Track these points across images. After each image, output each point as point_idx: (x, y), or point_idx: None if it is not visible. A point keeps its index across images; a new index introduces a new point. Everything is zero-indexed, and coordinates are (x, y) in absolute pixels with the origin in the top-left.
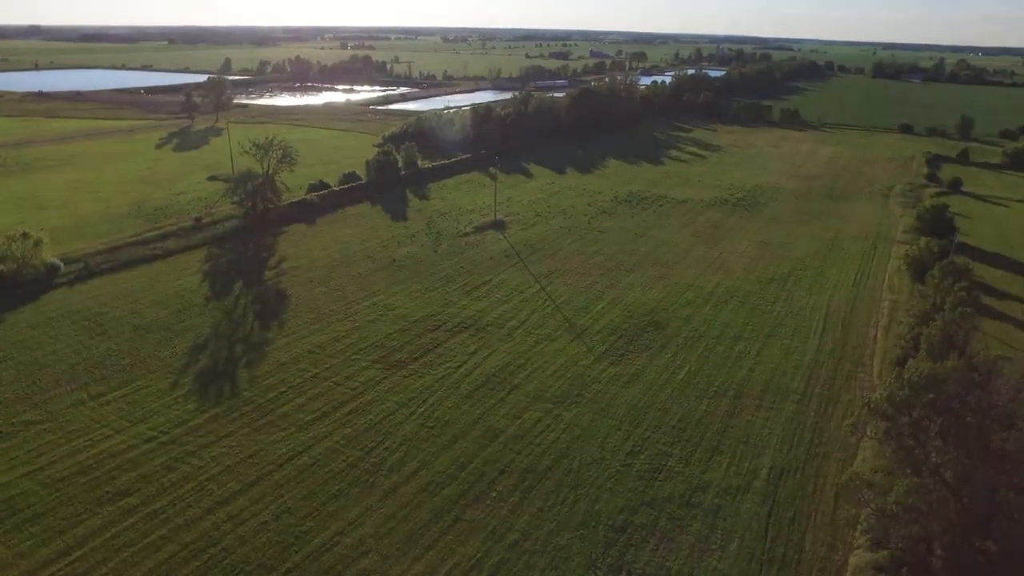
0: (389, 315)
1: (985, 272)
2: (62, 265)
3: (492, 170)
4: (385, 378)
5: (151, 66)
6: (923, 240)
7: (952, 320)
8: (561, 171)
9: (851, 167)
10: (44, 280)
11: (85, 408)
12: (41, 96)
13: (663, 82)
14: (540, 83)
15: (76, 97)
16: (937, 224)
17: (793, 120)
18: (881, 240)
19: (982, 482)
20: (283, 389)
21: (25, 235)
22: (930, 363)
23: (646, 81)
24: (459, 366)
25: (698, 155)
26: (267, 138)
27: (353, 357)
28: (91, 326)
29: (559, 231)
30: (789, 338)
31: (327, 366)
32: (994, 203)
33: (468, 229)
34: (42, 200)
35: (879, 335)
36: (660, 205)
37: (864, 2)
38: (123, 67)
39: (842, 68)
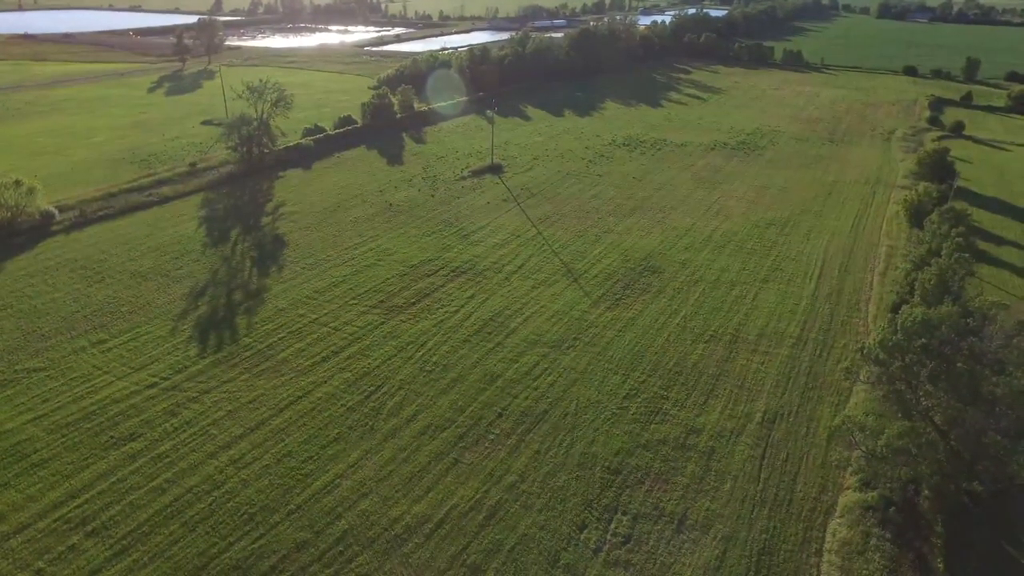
0: (386, 260)
1: (984, 217)
2: (57, 213)
3: (489, 113)
4: (383, 323)
5: (140, 6)
6: (922, 185)
7: (948, 266)
8: (559, 114)
9: (853, 110)
10: (40, 228)
11: (86, 355)
12: (27, 38)
13: (663, 22)
14: (538, 23)
15: (65, 39)
16: (938, 169)
17: (796, 62)
18: (881, 185)
19: (971, 425)
20: (282, 335)
21: (18, 182)
22: (924, 309)
23: (646, 21)
24: (456, 311)
25: (698, 97)
26: (261, 81)
27: (351, 302)
28: (89, 274)
29: (557, 175)
30: (786, 283)
31: (325, 311)
32: (996, 148)
33: (465, 173)
34: (35, 146)
35: (875, 280)
36: (659, 149)
37: None
38: (110, 7)
39: (847, 7)
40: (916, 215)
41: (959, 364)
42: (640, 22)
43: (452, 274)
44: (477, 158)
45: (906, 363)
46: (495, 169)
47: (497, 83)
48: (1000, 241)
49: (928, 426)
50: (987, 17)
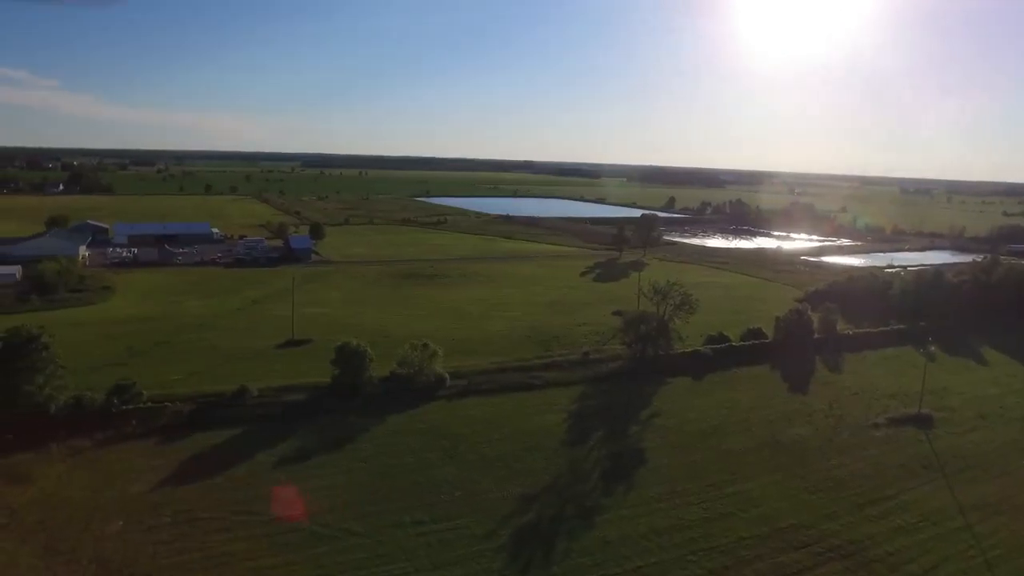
0: (750, 512)
1: None
2: (448, 378)
3: (929, 348)
4: None
5: (604, 199)
6: None
7: None
8: None
9: None
10: (430, 390)
11: (400, 532)
12: (506, 219)
13: None
14: (1015, 247)
15: (530, 222)
16: None
17: None
18: None
19: None
20: None
21: (425, 345)
22: None
23: None
24: None
25: None
26: (667, 282)
27: (688, 558)
28: (446, 445)
29: (1013, 445)
30: None
31: (654, 561)
32: None
33: (880, 419)
34: (462, 312)
35: None
36: None
37: None
38: (581, 198)
39: None
40: None
41: None
42: None
43: (826, 554)
44: (901, 402)
45: None
46: (922, 420)
47: (947, 313)
48: None
49: None
50: None
